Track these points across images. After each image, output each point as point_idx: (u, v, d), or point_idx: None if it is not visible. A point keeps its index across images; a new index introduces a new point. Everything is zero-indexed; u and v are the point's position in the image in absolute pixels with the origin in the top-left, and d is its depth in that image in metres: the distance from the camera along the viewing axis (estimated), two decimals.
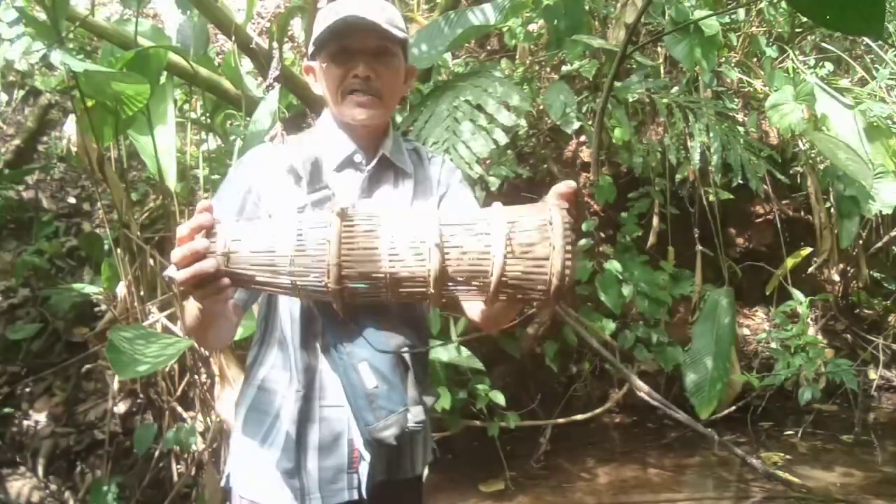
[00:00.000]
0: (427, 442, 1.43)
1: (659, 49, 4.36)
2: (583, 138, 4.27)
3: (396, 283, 1.04)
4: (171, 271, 1.06)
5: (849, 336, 4.81)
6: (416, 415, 1.18)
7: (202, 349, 2.96)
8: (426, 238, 1.02)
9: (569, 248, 1.00)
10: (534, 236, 1.02)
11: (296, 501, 1.28)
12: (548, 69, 4.28)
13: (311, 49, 1.36)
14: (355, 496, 1.28)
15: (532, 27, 3.99)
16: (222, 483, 1.41)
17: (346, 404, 1.22)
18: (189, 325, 1.25)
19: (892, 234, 4.67)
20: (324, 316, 1.23)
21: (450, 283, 1.04)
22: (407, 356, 1.20)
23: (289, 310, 1.29)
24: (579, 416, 3.71)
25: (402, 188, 1.38)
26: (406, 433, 1.18)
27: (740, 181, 3.60)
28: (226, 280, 1.04)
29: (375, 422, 1.17)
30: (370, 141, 1.36)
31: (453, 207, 1.40)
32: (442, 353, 3.08)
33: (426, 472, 1.52)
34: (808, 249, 4.33)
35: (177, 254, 1.03)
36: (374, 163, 1.35)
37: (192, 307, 1.20)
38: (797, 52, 4.63)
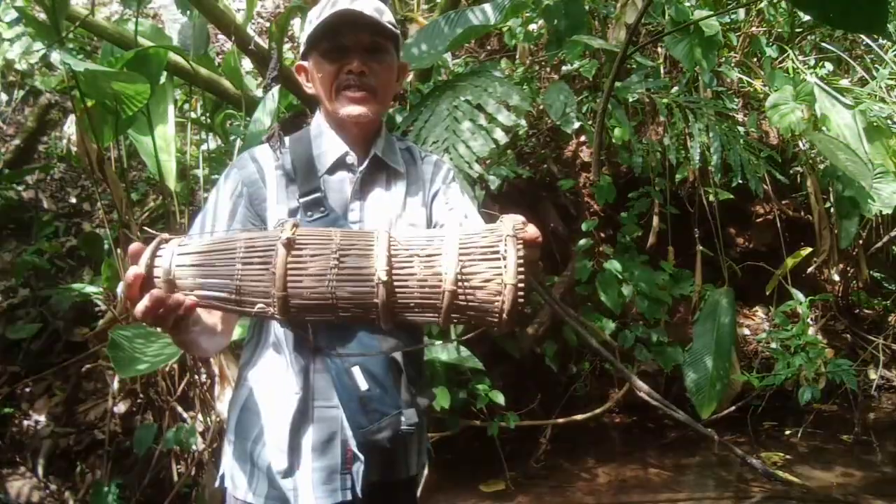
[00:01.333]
0: (422, 443, 1.43)
1: (659, 49, 4.36)
2: (583, 138, 4.27)
3: (345, 309, 1.01)
4: (121, 289, 1.05)
5: (849, 336, 4.81)
6: (409, 417, 1.19)
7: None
8: (375, 268, 0.99)
9: (521, 276, 0.97)
10: (485, 267, 0.99)
11: (290, 502, 1.27)
12: (548, 69, 4.28)
13: (302, 48, 1.35)
14: (349, 497, 1.28)
15: (532, 27, 3.99)
16: (216, 484, 1.41)
17: (340, 405, 1.23)
18: (173, 341, 1.22)
19: (892, 234, 4.67)
20: None
21: (399, 311, 1.01)
22: (400, 359, 1.19)
23: None
24: (579, 416, 3.71)
25: (395, 188, 1.38)
26: (399, 436, 1.18)
27: (740, 181, 3.61)
28: (176, 313, 1.01)
29: (369, 425, 1.18)
30: (362, 141, 1.36)
31: (442, 205, 1.39)
32: (442, 353, 3.08)
33: (425, 471, 1.52)
34: (808, 249, 4.33)
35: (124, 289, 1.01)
36: (366, 163, 1.35)
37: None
38: (797, 52, 4.63)
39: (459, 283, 0.98)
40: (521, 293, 0.97)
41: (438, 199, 1.40)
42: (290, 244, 1.00)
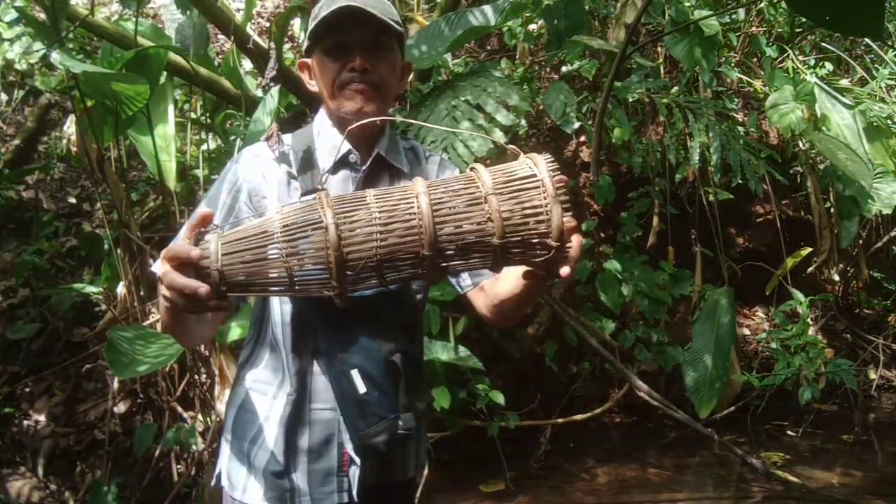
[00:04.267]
0: (420, 445, 1.42)
1: (659, 49, 4.36)
2: (583, 138, 4.27)
3: (392, 263, 0.99)
4: (157, 268, 1.02)
5: (849, 336, 4.81)
6: (406, 421, 1.18)
7: (198, 348, 2.96)
8: (419, 206, 0.98)
9: (562, 195, 0.98)
10: (525, 187, 0.99)
11: (286, 503, 1.27)
12: (548, 69, 4.28)
13: (305, 45, 1.34)
14: (346, 499, 1.28)
15: (532, 27, 3.99)
16: (212, 483, 1.40)
17: (337, 408, 1.22)
18: (164, 320, 1.20)
19: (892, 234, 4.67)
20: (317, 321, 1.23)
21: (448, 252, 0.99)
22: (400, 362, 1.19)
23: (280, 313, 1.29)
24: (579, 416, 3.71)
25: None
26: (397, 439, 1.18)
27: (740, 181, 3.61)
28: (213, 303, 0.99)
29: (366, 428, 1.17)
30: (365, 140, 1.34)
31: None
32: (442, 352, 3.08)
33: (425, 472, 1.52)
34: (808, 249, 4.33)
35: (170, 262, 0.98)
36: (368, 162, 1.34)
37: (162, 312, 1.18)
38: (797, 52, 4.63)
39: (505, 212, 0.98)
40: (566, 212, 0.98)
41: None
42: (333, 200, 0.99)
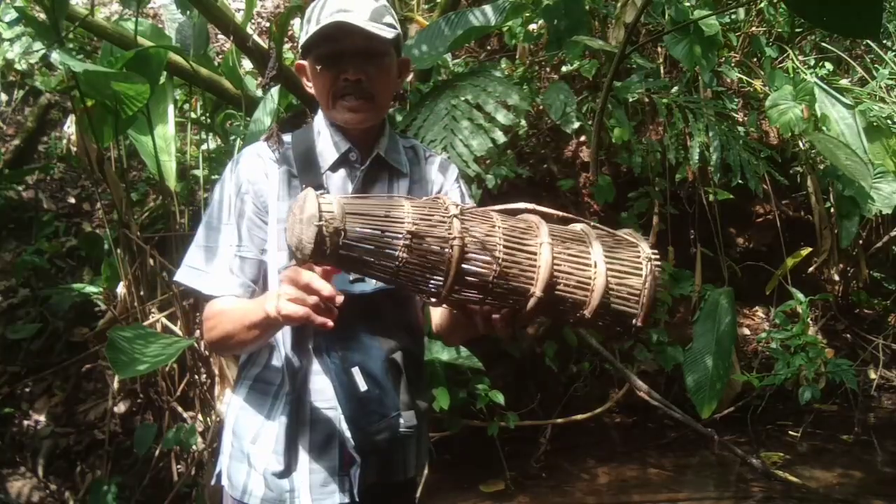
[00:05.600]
0: (422, 445, 1.42)
1: (659, 49, 4.35)
2: (583, 138, 4.27)
3: (499, 292, 1.00)
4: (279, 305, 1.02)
5: (849, 336, 4.80)
6: (408, 419, 1.18)
7: (207, 351, 2.96)
8: (540, 251, 1.00)
9: (658, 286, 1.04)
10: (629, 266, 1.04)
11: (286, 503, 1.27)
12: (548, 69, 4.28)
13: (300, 49, 1.34)
14: (347, 498, 1.28)
15: (532, 27, 3.99)
16: (213, 481, 1.40)
17: (338, 406, 1.22)
18: (231, 333, 1.22)
19: (892, 234, 4.67)
20: None
21: (550, 300, 1.01)
22: (401, 360, 1.19)
23: None
24: (579, 416, 3.70)
25: (397, 188, 1.37)
26: (398, 437, 1.18)
27: (740, 181, 3.60)
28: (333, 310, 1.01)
29: (367, 426, 1.17)
30: (365, 140, 1.35)
31: None
32: (442, 352, 3.08)
33: (425, 472, 1.52)
34: (808, 249, 4.33)
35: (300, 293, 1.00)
36: (368, 162, 1.34)
37: (244, 318, 1.19)
38: (797, 52, 4.63)
39: (609, 281, 1.01)
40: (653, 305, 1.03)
41: None
42: (462, 214, 0.99)
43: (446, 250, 0.96)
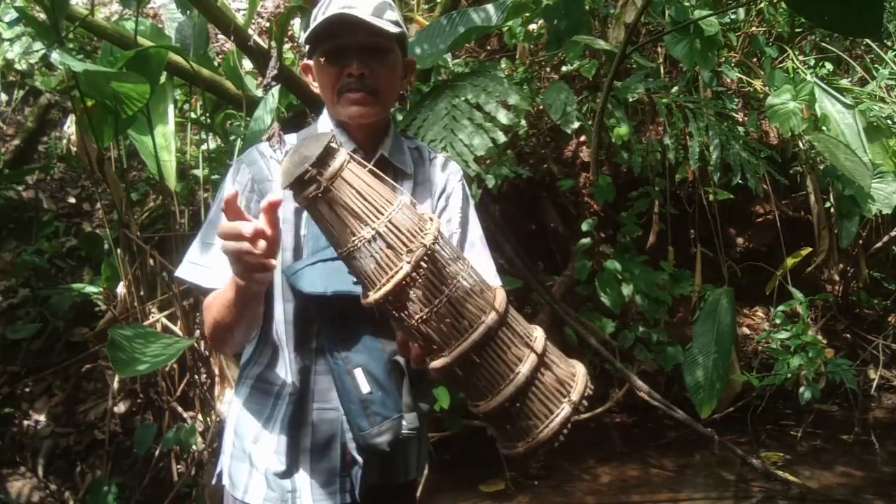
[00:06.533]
0: (422, 447, 1.42)
1: (659, 49, 4.35)
2: (583, 138, 4.27)
3: (423, 333, 0.98)
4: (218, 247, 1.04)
5: (849, 336, 4.80)
6: (410, 421, 1.18)
7: (208, 351, 2.96)
8: (482, 317, 0.97)
9: (571, 416, 1.00)
10: (550, 393, 1.00)
11: (288, 503, 1.27)
12: (548, 69, 4.28)
13: (306, 47, 1.34)
14: (348, 499, 1.28)
15: (532, 27, 3.99)
16: (213, 481, 1.40)
17: (340, 407, 1.22)
18: (218, 319, 1.21)
19: (892, 234, 4.66)
20: (320, 320, 1.23)
21: (463, 376, 0.98)
22: (403, 362, 1.19)
23: (282, 311, 1.29)
24: (579, 416, 3.70)
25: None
26: (400, 440, 1.18)
27: (740, 181, 3.60)
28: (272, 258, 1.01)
29: (369, 428, 1.17)
30: (369, 140, 1.34)
31: (446, 221, 1.37)
32: None
33: (425, 473, 1.52)
34: (808, 249, 4.33)
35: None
36: (371, 163, 1.34)
37: (224, 298, 1.18)
38: (797, 52, 4.63)
39: (522, 393, 0.98)
40: (564, 431, 1.00)
41: (442, 209, 1.39)
42: (433, 246, 0.96)
43: (397, 267, 0.95)
